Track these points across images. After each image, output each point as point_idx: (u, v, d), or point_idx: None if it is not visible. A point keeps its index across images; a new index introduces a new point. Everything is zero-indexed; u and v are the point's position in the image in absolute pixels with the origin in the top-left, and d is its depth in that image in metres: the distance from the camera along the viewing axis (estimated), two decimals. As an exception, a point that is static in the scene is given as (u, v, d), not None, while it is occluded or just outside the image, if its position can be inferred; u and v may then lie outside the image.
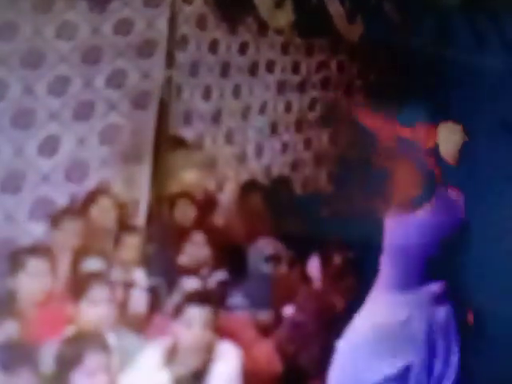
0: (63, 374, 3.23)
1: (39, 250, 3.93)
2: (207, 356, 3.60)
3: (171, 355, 3.59)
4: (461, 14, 5.14)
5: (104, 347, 3.31)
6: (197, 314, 3.57)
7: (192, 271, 4.15)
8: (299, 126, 5.71)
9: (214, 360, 3.62)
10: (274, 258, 4.57)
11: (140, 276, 4.15)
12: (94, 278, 3.71)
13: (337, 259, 4.42)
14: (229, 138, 5.29)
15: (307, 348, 4.17)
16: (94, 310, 3.61)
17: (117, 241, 4.21)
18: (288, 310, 4.28)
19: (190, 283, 3.97)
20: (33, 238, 4.22)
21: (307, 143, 5.81)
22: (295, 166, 5.76)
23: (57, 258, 3.94)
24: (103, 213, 4.29)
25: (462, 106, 4.88)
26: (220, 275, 4.37)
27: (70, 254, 4.10)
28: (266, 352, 4.08)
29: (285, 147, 5.68)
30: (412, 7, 5.24)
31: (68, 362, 3.24)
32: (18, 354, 3.30)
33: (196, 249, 4.32)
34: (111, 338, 3.50)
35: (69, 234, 4.12)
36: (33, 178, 4.31)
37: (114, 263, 4.06)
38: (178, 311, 3.64)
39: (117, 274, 3.98)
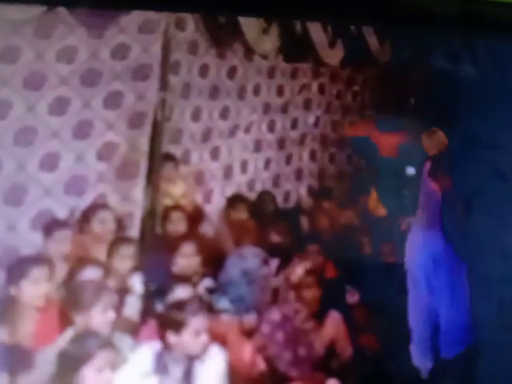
0: (69, 372, 3.44)
1: (41, 259, 4.16)
2: (196, 358, 3.85)
3: (161, 358, 3.85)
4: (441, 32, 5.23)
5: (110, 345, 3.53)
6: (200, 323, 3.82)
7: (184, 279, 4.36)
8: (281, 143, 5.81)
9: (201, 362, 3.88)
10: (258, 265, 4.78)
11: (134, 283, 4.35)
12: (92, 286, 3.92)
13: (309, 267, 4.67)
14: (215, 155, 5.39)
15: (282, 354, 4.42)
16: (91, 315, 3.86)
17: (113, 251, 4.40)
18: (271, 315, 4.52)
19: (182, 291, 4.14)
20: (34, 247, 4.35)
21: (288, 159, 5.91)
22: (277, 180, 5.84)
23: (56, 266, 4.17)
24: (103, 225, 4.49)
25: (441, 120, 5.06)
26: (208, 282, 4.56)
27: (65, 263, 4.29)
28: (250, 353, 4.32)
29: (267, 163, 5.78)
30: (391, 29, 5.34)
31: (76, 359, 3.47)
32: (17, 358, 3.57)
33: (187, 259, 4.51)
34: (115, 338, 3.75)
35: (60, 244, 4.33)
36: (34, 192, 4.47)
37: (111, 272, 4.27)
38: (167, 318, 3.87)
39: (113, 282, 4.20)
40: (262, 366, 4.29)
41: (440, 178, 4.83)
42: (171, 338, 3.79)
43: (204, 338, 3.80)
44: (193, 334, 3.78)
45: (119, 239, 4.50)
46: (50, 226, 4.42)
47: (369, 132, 5.28)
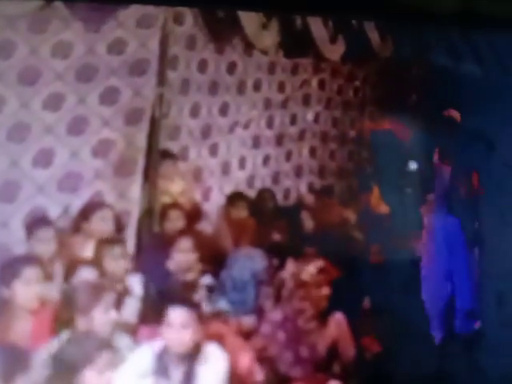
0: (66, 373, 3.38)
1: (32, 258, 4.10)
2: (195, 357, 3.79)
3: (161, 357, 3.78)
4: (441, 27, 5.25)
5: (109, 346, 3.48)
6: (178, 315, 3.75)
7: (181, 276, 4.33)
8: (280, 139, 5.80)
9: (202, 361, 3.82)
10: (267, 266, 4.75)
11: (132, 283, 4.30)
12: (92, 287, 3.88)
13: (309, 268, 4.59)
14: (214, 152, 5.38)
15: (283, 355, 4.36)
16: (92, 316, 3.79)
17: (107, 251, 4.31)
18: (272, 315, 4.47)
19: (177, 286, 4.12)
20: (26, 245, 4.31)
21: (288, 156, 5.91)
22: (276, 177, 5.84)
23: (48, 266, 4.13)
24: (103, 223, 4.44)
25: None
26: (206, 279, 4.53)
27: (59, 262, 4.25)
28: (248, 360, 4.24)
29: (266, 159, 5.78)
30: (393, 25, 5.35)
31: (74, 360, 3.40)
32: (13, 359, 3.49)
33: (184, 254, 4.46)
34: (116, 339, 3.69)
35: (45, 243, 4.27)
36: (28, 189, 4.44)
37: (108, 272, 4.21)
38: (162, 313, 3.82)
39: (110, 282, 4.14)
40: (259, 375, 4.24)
41: (447, 163, 5.07)
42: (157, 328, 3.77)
43: (187, 335, 3.73)
44: (170, 325, 3.72)
45: (113, 239, 4.43)
46: (35, 225, 4.36)
47: (391, 125, 5.45)
